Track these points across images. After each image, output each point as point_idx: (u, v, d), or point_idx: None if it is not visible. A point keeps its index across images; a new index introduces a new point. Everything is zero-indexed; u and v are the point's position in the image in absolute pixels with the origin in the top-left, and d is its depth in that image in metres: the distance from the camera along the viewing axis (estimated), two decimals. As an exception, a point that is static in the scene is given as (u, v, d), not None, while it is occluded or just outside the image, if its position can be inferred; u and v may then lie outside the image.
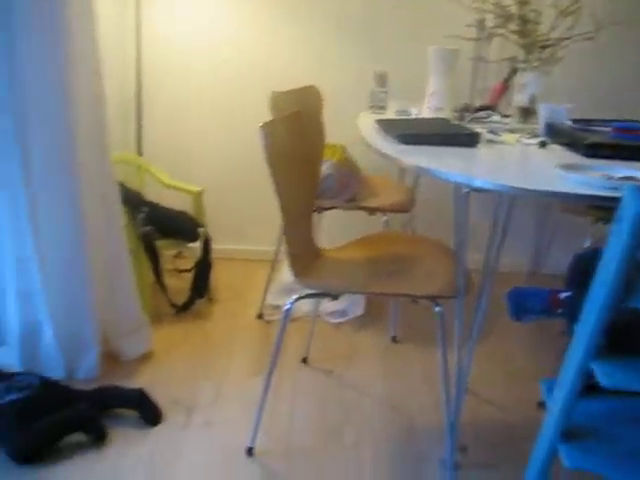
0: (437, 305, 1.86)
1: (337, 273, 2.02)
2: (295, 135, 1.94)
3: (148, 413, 2.16)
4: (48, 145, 2.15)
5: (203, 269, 3.01)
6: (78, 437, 2.03)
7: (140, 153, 3.41)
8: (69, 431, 2.03)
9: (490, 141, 2.12)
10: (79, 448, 2.01)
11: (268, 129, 1.79)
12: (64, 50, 2.10)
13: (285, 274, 3.16)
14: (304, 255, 2.00)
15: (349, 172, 2.87)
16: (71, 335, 2.33)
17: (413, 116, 2.63)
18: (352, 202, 2.84)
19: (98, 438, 2.03)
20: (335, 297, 2.05)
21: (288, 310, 1.97)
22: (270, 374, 2.02)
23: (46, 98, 2.11)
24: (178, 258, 3.43)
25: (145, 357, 2.56)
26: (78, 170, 2.21)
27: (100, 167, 2.32)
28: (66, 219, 2.22)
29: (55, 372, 2.30)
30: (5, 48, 2.03)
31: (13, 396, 2.03)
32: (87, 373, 2.37)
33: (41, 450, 1.98)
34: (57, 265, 2.25)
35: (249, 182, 3.51)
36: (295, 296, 1.99)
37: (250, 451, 2.03)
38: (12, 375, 2.16)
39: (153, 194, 3.03)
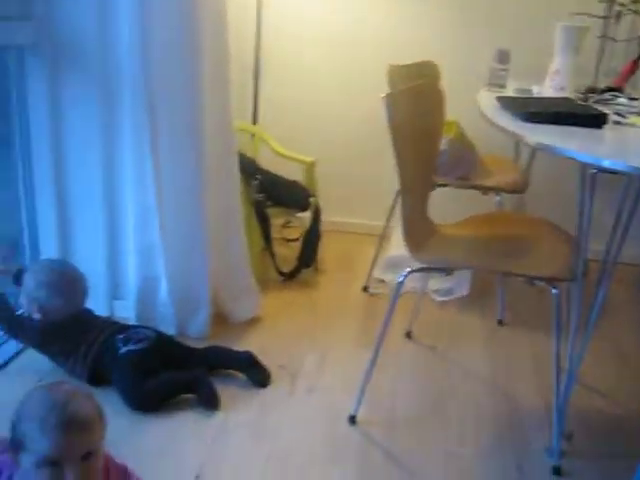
0: (554, 288, 1.82)
1: (453, 249, 2.00)
2: (417, 107, 1.92)
3: (257, 376, 2.22)
4: (175, 104, 2.22)
5: (312, 239, 3.05)
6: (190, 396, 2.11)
7: (255, 122, 3.46)
8: (183, 392, 2.10)
9: (617, 123, 2.03)
10: (189, 406, 2.08)
11: (391, 99, 1.78)
12: (193, 10, 2.15)
13: (393, 249, 3.15)
14: (420, 229, 1.99)
15: (464, 149, 2.82)
16: (185, 293, 2.42)
17: (535, 95, 2.55)
18: (465, 180, 2.80)
19: (210, 404, 2.08)
20: (449, 273, 2.04)
21: (400, 283, 1.97)
22: (378, 347, 2.03)
23: (174, 55, 2.17)
24: (286, 228, 3.47)
25: (252, 321, 2.62)
26: (203, 132, 2.26)
27: (222, 132, 2.38)
28: (188, 180, 2.29)
29: (167, 328, 2.39)
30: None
31: (131, 347, 2.13)
32: (197, 332, 2.46)
33: (154, 404, 2.06)
34: (176, 223, 2.33)
35: (361, 155, 3.51)
36: (408, 269, 1.98)
37: (353, 419, 2.05)
38: (130, 327, 2.27)
39: (266, 163, 3.08)
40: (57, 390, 1.35)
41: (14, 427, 1.30)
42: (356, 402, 2.06)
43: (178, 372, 2.14)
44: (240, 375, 2.24)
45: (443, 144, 2.72)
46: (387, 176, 3.19)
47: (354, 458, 1.91)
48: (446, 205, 3.03)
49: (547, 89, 2.54)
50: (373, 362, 2.05)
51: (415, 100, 1.92)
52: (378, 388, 2.17)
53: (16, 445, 1.29)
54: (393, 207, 2.86)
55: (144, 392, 2.05)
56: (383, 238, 3.01)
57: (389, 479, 1.83)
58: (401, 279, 1.97)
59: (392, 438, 2.00)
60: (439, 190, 2.72)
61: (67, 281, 2.19)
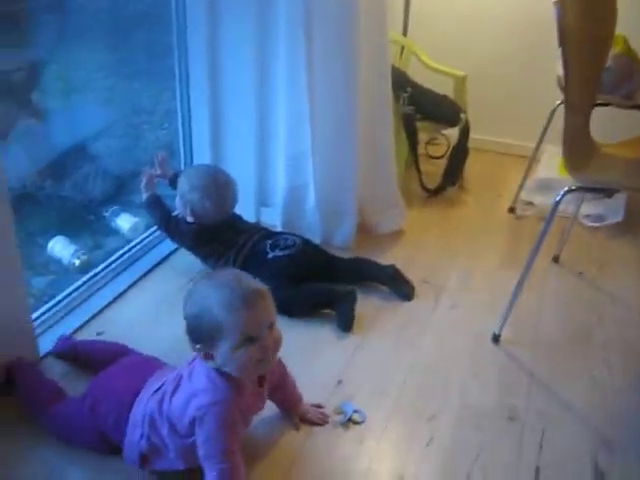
0: None
1: (615, 169, 1.89)
2: (591, 12, 1.79)
3: (401, 289, 2.23)
4: (329, 13, 2.18)
5: (458, 156, 2.97)
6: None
7: (405, 33, 3.37)
8: (326, 306, 2.13)
9: None
10: (328, 316, 2.12)
11: (562, 5, 1.67)
12: None
13: (543, 171, 3.03)
14: (581, 148, 1.89)
15: (631, 65, 2.62)
16: (332, 202, 2.44)
17: None
18: (630, 99, 2.61)
19: (343, 327, 2.07)
20: (609, 195, 1.94)
21: (557, 203, 1.89)
22: (527, 268, 1.98)
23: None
24: (430, 144, 3.40)
25: (396, 235, 2.62)
26: (356, 42, 2.23)
27: (376, 43, 2.32)
28: (341, 89, 2.28)
29: (312, 237, 2.41)
30: None
31: (279, 252, 2.19)
32: (342, 242, 2.49)
33: (298, 309, 2.11)
34: (328, 132, 2.33)
35: (515, 71, 3.34)
36: (565, 189, 1.89)
37: (496, 338, 2.03)
38: (278, 233, 2.33)
39: (416, 75, 3.00)
40: (222, 275, 1.44)
41: (200, 323, 1.36)
42: (501, 321, 2.03)
43: (325, 285, 2.17)
44: (384, 288, 2.26)
45: (608, 59, 2.54)
46: (541, 94, 3.04)
47: (496, 376, 1.90)
48: (605, 126, 2.86)
49: None
50: (521, 283, 2.01)
51: (589, 5, 1.79)
52: (523, 310, 2.12)
53: (210, 337, 1.35)
54: (546, 127, 2.72)
55: (289, 297, 2.11)
56: (533, 159, 2.89)
57: (531, 400, 1.81)
58: (558, 198, 1.88)
59: (535, 360, 1.97)
60: (597, 110, 2.55)
61: (219, 185, 2.26)
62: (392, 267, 2.26)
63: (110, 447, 1.53)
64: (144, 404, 1.47)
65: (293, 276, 2.15)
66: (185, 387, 1.43)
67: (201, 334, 1.37)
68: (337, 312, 2.10)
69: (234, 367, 1.37)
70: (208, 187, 2.23)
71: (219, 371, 1.39)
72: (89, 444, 1.55)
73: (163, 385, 1.48)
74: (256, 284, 1.41)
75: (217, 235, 2.25)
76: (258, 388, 1.49)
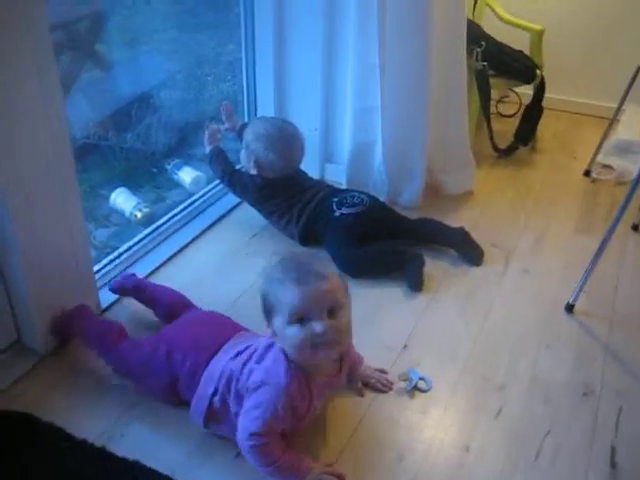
0: None
1: None
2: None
3: (470, 253, 2.13)
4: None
5: (532, 115, 2.84)
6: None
7: (479, -16, 3.20)
8: (393, 268, 2.06)
9: None
10: (395, 278, 2.04)
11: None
12: None
13: (623, 132, 2.87)
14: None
15: None
16: (400, 160, 2.35)
17: None
18: None
19: (414, 287, 2.01)
20: None
21: (645, 166, 1.76)
22: (608, 235, 1.86)
23: None
24: (501, 103, 3.26)
25: (465, 196, 2.52)
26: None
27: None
28: (414, 42, 2.17)
29: (378, 195, 2.32)
30: None
31: (345, 210, 2.12)
32: (409, 201, 2.40)
33: (364, 270, 2.05)
34: (399, 86, 2.23)
35: (596, 27, 3.15)
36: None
37: (570, 308, 1.93)
38: (345, 191, 2.25)
39: (490, 29, 2.85)
40: (295, 257, 1.40)
41: (264, 297, 1.36)
42: (576, 290, 1.92)
43: (392, 247, 2.10)
44: (452, 251, 2.17)
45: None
46: (623, 52, 2.88)
47: (569, 348, 1.80)
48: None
49: None
50: (600, 251, 1.89)
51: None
52: (598, 279, 2.00)
53: (269, 312, 1.35)
54: (631, 84, 2.56)
55: (356, 256, 2.05)
56: (614, 119, 2.73)
57: (607, 375, 1.71)
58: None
59: (610, 334, 1.86)
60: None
61: (285, 137, 2.19)
62: (461, 230, 2.16)
63: (176, 399, 1.52)
64: (224, 362, 1.45)
65: (360, 235, 2.08)
66: (258, 359, 1.41)
67: (264, 309, 1.37)
68: (406, 274, 2.02)
69: (288, 346, 1.34)
70: (273, 137, 2.16)
71: (286, 355, 1.36)
72: (158, 390, 1.54)
73: (247, 349, 1.46)
74: (322, 266, 1.35)
75: (281, 190, 2.19)
76: (336, 375, 1.46)
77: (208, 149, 2.28)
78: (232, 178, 2.24)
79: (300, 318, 1.30)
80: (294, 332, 1.30)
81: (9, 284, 1.61)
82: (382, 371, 1.67)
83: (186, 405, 1.50)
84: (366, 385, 1.63)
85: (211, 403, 1.43)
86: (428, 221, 2.21)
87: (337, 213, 2.11)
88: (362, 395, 1.61)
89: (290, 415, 1.35)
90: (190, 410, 1.47)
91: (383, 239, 2.11)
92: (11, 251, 1.54)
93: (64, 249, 1.65)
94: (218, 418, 1.44)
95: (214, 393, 1.43)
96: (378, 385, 1.62)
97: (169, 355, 1.50)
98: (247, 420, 1.35)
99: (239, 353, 1.46)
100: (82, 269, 1.74)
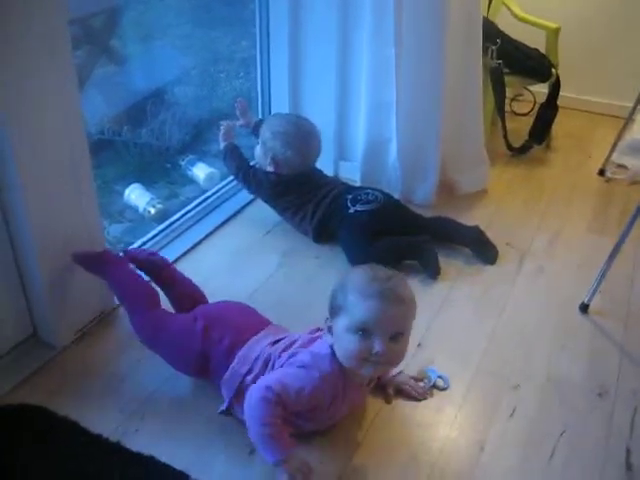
0: None
1: None
2: None
3: (484, 252, 2.12)
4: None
5: (547, 113, 2.82)
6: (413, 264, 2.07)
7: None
8: (407, 257, 2.06)
9: None
10: (413, 275, 2.03)
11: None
12: None
13: (638, 132, 2.85)
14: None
15: None
16: (414, 157, 2.34)
17: None
18: None
19: (432, 271, 2.03)
20: None
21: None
22: (624, 235, 1.85)
23: None
24: (515, 101, 3.25)
25: (479, 194, 2.51)
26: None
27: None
28: (429, 37, 2.16)
29: (392, 192, 2.30)
30: None
31: (359, 207, 2.11)
32: (423, 199, 2.39)
33: (381, 265, 2.05)
34: (414, 82, 2.22)
35: (610, 28, 3.13)
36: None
37: (585, 308, 1.92)
38: (359, 188, 2.25)
39: (505, 27, 2.84)
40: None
41: (335, 294, 1.38)
42: (591, 290, 1.91)
43: (403, 237, 2.10)
44: (466, 250, 2.16)
45: None
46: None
47: (584, 348, 1.79)
48: None
49: None
50: (615, 250, 1.89)
51: None
52: (614, 279, 1.99)
53: (335, 309, 1.37)
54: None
55: (370, 253, 2.04)
56: (629, 119, 2.71)
57: (622, 376, 1.70)
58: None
59: (626, 335, 1.85)
60: None
61: (302, 134, 2.19)
62: (476, 228, 2.16)
63: (200, 374, 1.54)
64: (263, 345, 1.48)
65: (374, 232, 2.07)
66: (302, 346, 1.44)
67: (331, 305, 1.38)
68: (422, 263, 2.04)
69: (340, 348, 1.36)
70: (290, 134, 2.17)
71: (333, 352, 1.38)
72: (185, 362, 1.55)
73: (285, 338, 1.49)
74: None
75: (295, 187, 2.19)
76: (365, 386, 1.49)
77: (222, 145, 2.28)
78: (246, 174, 2.24)
79: (364, 330, 1.32)
80: (353, 340, 1.32)
81: (25, 278, 1.62)
82: (416, 379, 1.64)
83: (203, 398, 1.51)
84: (400, 392, 1.61)
85: (242, 382, 1.44)
86: (442, 219, 2.21)
87: (351, 210, 2.11)
88: (389, 402, 1.59)
89: (308, 403, 1.36)
90: (222, 382, 1.48)
91: (397, 236, 2.10)
92: (27, 246, 1.55)
93: (80, 244, 1.66)
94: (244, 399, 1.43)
95: (247, 373, 1.45)
96: (413, 393, 1.60)
97: (206, 331, 1.51)
98: (272, 376, 1.37)
99: (277, 341, 1.49)
100: (97, 264, 1.75)
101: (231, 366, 1.47)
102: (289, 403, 1.34)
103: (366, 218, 2.09)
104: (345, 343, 1.33)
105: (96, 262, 1.65)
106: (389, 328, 1.32)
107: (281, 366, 1.41)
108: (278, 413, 1.32)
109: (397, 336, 1.34)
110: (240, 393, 1.44)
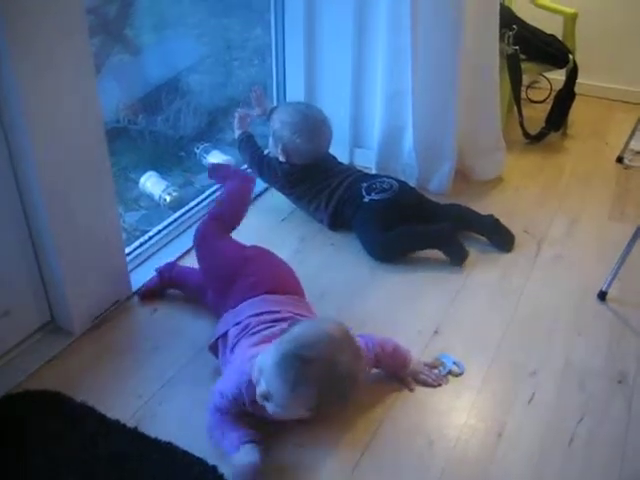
0: None
1: None
2: None
3: (500, 240, 2.10)
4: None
5: (564, 100, 2.80)
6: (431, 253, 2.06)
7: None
8: (427, 245, 2.05)
9: None
10: (430, 262, 2.04)
11: None
12: None
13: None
14: None
15: None
16: (430, 145, 2.33)
17: None
18: None
19: (458, 258, 2.02)
20: None
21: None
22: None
23: None
24: (531, 88, 3.22)
25: (495, 182, 2.50)
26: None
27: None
28: (446, 24, 2.14)
29: (407, 180, 2.31)
30: None
31: (375, 196, 2.10)
32: (438, 186, 2.38)
33: (394, 254, 2.05)
34: (430, 69, 2.21)
35: (628, 13, 3.09)
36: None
37: (603, 295, 1.91)
38: (375, 176, 2.24)
39: (521, 12, 2.80)
40: (300, 352, 1.30)
41: (262, 366, 1.33)
42: (609, 278, 1.90)
43: (421, 225, 2.08)
44: (482, 238, 2.14)
45: None
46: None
47: (602, 335, 1.78)
48: None
49: None
50: (634, 238, 1.87)
51: None
52: (632, 267, 1.96)
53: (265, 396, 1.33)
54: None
55: (385, 241, 2.04)
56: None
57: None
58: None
59: (645, 322, 1.84)
60: None
61: (310, 122, 2.18)
62: (491, 217, 2.13)
63: (221, 294, 1.64)
64: (266, 308, 1.54)
65: (389, 220, 2.06)
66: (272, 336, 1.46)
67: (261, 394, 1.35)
68: (445, 248, 2.03)
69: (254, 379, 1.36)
70: (298, 124, 2.16)
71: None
72: (219, 276, 1.67)
73: (282, 318, 1.51)
74: (301, 381, 1.29)
75: (309, 176, 2.19)
76: None
77: (237, 134, 2.27)
78: (260, 164, 2.23)
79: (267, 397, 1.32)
80: (260, 390, 1.32)
81: (43, 266, 1.63)
82: (430, 366, 1.63)
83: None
84: (416, 380, 1.60)
85: (230, 329, 1.53)
86: (459, 207, 2.18)
87: (366, 199, 2.10)
88: (412, 390, 1.58)
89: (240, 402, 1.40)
90: (224, 315, 1.59)
91: (412, 224, 2.08)
92: (45, 234, 1.56)
93: (97, 232, 1.66)
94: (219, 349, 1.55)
95: (237, 323, 1.52)
96: (429, 380, 1.60)
97: (246, 261, 1.65)
98: (216, 387, 1.44)
99: (272, 312, 1.52)
100: (114, 251, 1.76)
101: (235, 309, 1.56)
102: (230, 406, 1.40)
103: (381, 207, 2.08)
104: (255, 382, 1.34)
105: (225, 174, 1.96)
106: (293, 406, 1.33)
107: (252, 334, 1.47)
108: (229, 417, 1.40)
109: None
110: (226, 336, 1.53)
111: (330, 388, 1.30)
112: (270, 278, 1.62)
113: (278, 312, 1.53)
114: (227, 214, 1.82)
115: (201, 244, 1.74)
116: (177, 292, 1.87)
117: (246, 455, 1.33)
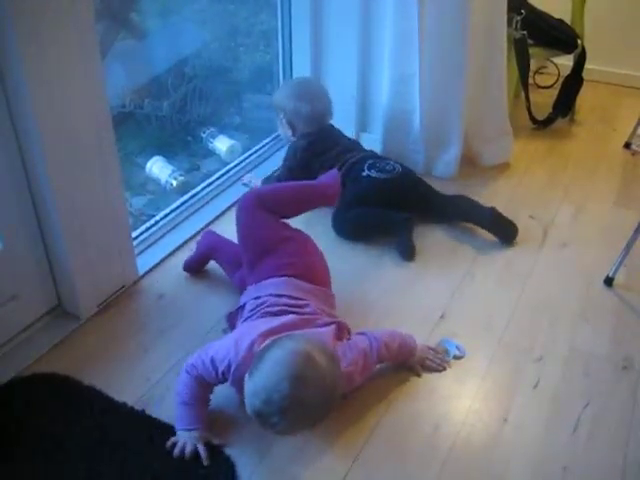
0: None
1: None
2: None
3: (502, 233, 2.08)
4: None
5: (572, 86, 2.78)
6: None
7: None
8: (382, 231, 2.06)
9: None
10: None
11: None
12: None
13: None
14: None
15: None
16: (437, 130, 2.32)
17: None
18: None
19: (404, 254, 2.00)
20: None
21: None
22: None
23: None
24: (539, 74, 3.20)
25: (502, 167, 2.49)
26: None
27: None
28: (453, 8, 2.13)
29: (414, 165, 2.31)
30: None
31: (373, 174, 2.11)
32: (444, 171, 2.38)
33: (350, 229, 2.08)
34: (437, 52, 2.20)
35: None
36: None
37: (609, 281, 1.90)
38: (384, 158, 2.22)
39: (530, -3, 2.79)
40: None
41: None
42: (616, 264, 1.89)
43: (387, 210, 2.07)
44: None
45: None
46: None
47: (608, 321, 1.78)
48: None
49: None
50: (642, 224, 1.87)
51: None
52: (638, 253, 1.96)
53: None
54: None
55: (345, 215, 2.07)
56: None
57: (646, 347, 1.69)
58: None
59: (651, 307, 1.84)
60: None
61: (304, 84, 2.31)
62: (492, 210, 2.08)
63: (253, 263, 1.64)
64: (285, 291, 1.55)
65: (381, 201, 2.07)
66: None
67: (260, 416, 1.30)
68: (395, 242, 2.03)
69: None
70: (293, 88, 2.27)
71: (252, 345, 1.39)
72: (255, 247, 1.65)
73: (305, 304, 1.53)
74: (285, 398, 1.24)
75: (323, 147, 2.20)
76: None
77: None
78: (285, 161, 2.26)
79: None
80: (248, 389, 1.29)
81: (50, 250, 1.63)
82: (434, 350, 1.63)
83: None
84: (423, 367, 1.60)
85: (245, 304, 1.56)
86: (460, 199, 2.15)
87: (364, 173, 2.11)
88: (420, 376, 1.59)
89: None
90: (248, 288, 1.62)
91: (411, 211, 2.07)
92: (53, 218, 1.56)
93: (104, 216, 1.67)
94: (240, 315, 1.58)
95: (256, 297, 1.54)
96: (433, 365, 1.60)
97: (284, 240, 1.64)
98: (197, 352, 1.43)
99: (295, 299, 1.53)
100: (121, 235, 1.76)
101: (259, 284, 1.58)
102: (207, 375, 1.40)
103: (375, 185, 2.09)
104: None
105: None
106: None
107: (264, 314, 1.49)
108: (196, 388, 1.40)
109: None
110: (244, 308, 1.56)
111: (304, 418, 1.29)
112: (302, 264, 1.61)
113: (299, 299, 1.53)
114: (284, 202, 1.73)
115: (245, 213, 1.67)
116: (184, 276, 1.88)
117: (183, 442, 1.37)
